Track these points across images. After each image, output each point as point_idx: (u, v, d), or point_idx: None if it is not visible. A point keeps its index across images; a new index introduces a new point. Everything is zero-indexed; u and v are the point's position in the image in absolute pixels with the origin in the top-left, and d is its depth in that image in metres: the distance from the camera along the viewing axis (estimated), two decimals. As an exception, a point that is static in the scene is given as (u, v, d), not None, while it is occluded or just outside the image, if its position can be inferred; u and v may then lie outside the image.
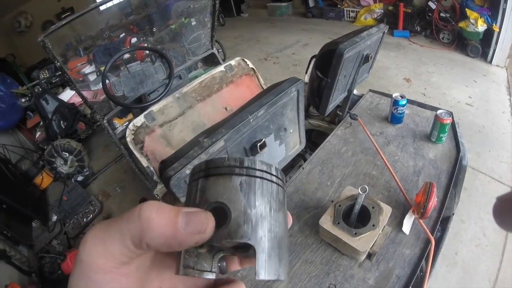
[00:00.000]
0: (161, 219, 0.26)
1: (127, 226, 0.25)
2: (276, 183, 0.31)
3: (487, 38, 4.20)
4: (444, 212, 1.33)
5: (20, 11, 5.81)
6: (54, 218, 3.12)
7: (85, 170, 3.68)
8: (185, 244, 0.27)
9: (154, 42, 3.13)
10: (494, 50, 4.18)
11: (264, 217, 0.29)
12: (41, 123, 3.74)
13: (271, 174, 0.31)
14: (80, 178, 3.62)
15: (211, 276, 0.30)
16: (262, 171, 0.30)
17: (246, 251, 0.29)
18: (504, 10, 3.89)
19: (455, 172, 1.48)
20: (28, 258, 2.61)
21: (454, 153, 1.60)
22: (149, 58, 2.69)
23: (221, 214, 0.28)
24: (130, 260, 0.27)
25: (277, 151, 1.41)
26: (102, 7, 2.23)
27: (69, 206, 3.07)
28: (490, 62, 4.26)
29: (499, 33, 4.04)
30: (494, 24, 4.02)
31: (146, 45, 3.05)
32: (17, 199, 2.91)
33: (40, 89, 3.55)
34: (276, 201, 0.30)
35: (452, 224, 1.41)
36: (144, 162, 1.74)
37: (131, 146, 1.71)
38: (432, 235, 1.22)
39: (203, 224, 0.27)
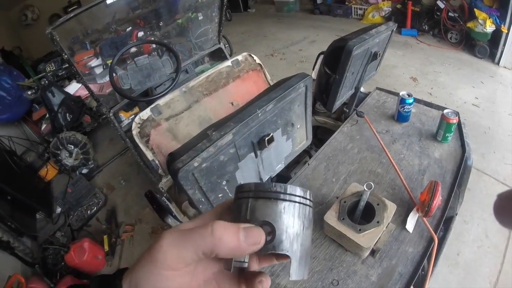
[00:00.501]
0: (228, 236, 0.34)
1: (201, 241, 0.34)
2: (309, 206, 0.39)
3: (495, 39, 4.16)
4: (447, 211, 1.33)
5: (27, 5, 5.83)
6: (58, 210, 3.14)
7: (90, 163, 3.71)
8: (245, 253, 0.35)
9: (161, 37, 3.13)
10: (502, 52, 4.14)
11: (298, 235, 0.37)
12: (47, 115, 3.76)
13: (306, 199, 0.38)
14: (84, 171, 3.64)
15: (245, 265, 0.36)
16: (300, 197, 0.37)
17: (280, 255, 0.38)
18: (513, 11, 3.86)
19: (460, 172, 1.48)
20: (32, 250, 2.63)
21: (460, 153, 1.60)
22: (156, 52, 2.70)
23: (266, 228, 0.36)
24: (194, 262, 0.35)
25: (284, 146, 1.41)
26: (109, 1, 2.24)
27: (73, 198, 3.10)
28: (498, 63, 4.22)
29: (507, 34, 4.00)
30: (502, 25, 3.98)
31: (153, 38, 3.05)
32: (21, 191, 2.93)
33: (46, 81, 3.57)
34: (308, 220, 0.38)
35: (455, 224, 1.41)
36: (149, 155, 1.75)
37: (136, 140, 1.72)
38: (436, 234, 1.22)
39: (258, 238, 0.35)
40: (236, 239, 0.34)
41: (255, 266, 0.43)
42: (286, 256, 0.36)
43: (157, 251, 0.34)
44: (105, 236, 2.69)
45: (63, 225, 2.97)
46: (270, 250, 0.36)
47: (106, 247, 2.63)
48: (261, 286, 0.40)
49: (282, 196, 0.36)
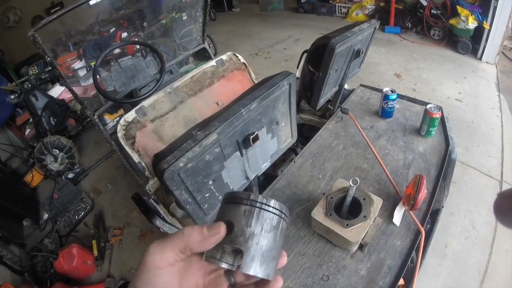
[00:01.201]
0: (195, 233, 0.42)
1: (176, 241, 0.42)
2: (272, 212, 0.44)
3: (478, 35, 4.24)
4: (433, 204, 1.35)
5: (9, 6, 5.69)
6: (45, 216, 3.07)
7: (75, 167, 3.63)
8: (210, 243, 0.42)
9: (145, 37, 3.10)
10: (484, 47, 4.23)
11: (255, 234, 0.42)
12: (31, 120, 3.67)
13: (268, 205, 0.44)
14: (71, 175, 3.57)
15: (228, 266, 0.43)
16: (261, 203, 0.43)
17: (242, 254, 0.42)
18: (495, 7, 3.94)
19: (444, 165, 1.50)
20: (20, 258, 2.57)
21: (444, 146, 1.63)
22: (140, 53, 2.67)
23: (227, 225, 0.42)
24: (176, 262, 0.43)
25: (269, 144, 1.41)
26: (92, 2, 2.20)
27: (60, 203, 3.03)
28: (480, 58, 4.31)
29: (489, 30, 4.08)
30: (484, 22, 4.06)
31: (137, 39, 3.02)
32: (7, 198, 2.87)
33: (30, 85, 3.49)
34: (268, 225, 0.43)
35: (442, 216, 1.44)
36: (135, 157, 1.73)
37: (122, 142, 1.70)
38: (422, 226, 1.24)
39: (218, 230, 0.42)
40: (201, 233, 0.42)
41: None
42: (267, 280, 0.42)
43: (146, 255, 0.42)
44: (93, 241, 2.65)
45: (50, 232, 2.91)
46: (228, 242, 0.42)
47: (95, 252, 2.59)
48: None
49: (244, 201, 0.44)
